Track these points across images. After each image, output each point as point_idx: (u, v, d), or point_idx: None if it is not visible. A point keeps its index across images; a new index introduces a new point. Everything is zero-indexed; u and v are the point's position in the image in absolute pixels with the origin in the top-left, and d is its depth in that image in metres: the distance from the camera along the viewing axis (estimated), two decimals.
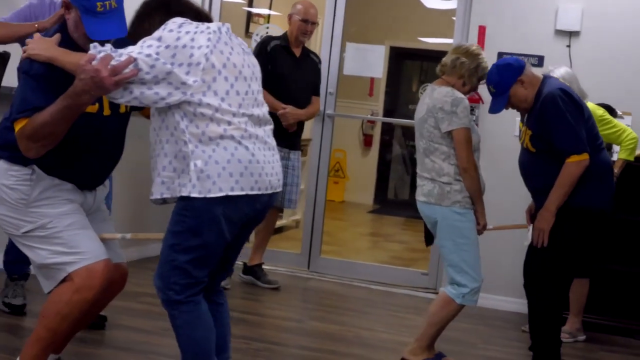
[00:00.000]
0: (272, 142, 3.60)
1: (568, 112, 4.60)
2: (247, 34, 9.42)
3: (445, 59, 4.90)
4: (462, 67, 4.81)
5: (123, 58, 3.24)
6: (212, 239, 3.40)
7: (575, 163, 4.59)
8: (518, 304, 6.29)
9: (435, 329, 4.90)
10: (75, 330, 3.99)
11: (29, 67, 3.48)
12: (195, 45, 3.33)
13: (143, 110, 3.90)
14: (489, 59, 6.22)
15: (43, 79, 3.45)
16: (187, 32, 3.35)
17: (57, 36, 3.56)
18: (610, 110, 6.15)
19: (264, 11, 10.02)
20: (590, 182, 4.66)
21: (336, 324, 5.85)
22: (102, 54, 3.25)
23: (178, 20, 3.40)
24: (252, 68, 3.58)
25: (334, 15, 7.42)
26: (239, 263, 6.78)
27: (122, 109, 3.76)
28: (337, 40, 7.42)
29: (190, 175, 3.33)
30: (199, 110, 3.33)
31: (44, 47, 3.49)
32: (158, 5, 3.54)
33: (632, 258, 6.42)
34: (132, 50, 3.29)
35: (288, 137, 6.48)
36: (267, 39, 6.61)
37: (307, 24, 6.53)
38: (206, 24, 3.45)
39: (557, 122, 4.60)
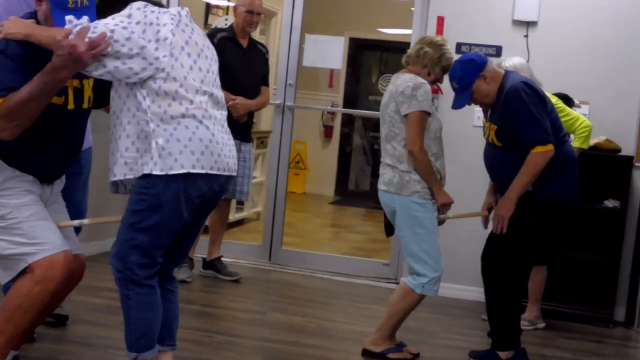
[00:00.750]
0: (227, 128, 3.65)
1: (532, 105, 4.64)
2: (206, 25, 9.39)
3: (410, 50, 4.95)
4: (425, 57, 4.84)
5: (99, 31, 3.27)
6: (171, 217, 3.44)
7: (540, 154, 4.63)
8: (478, 292, 6.30)
9: (396, 319, 4.92)
10: (33, 326, 3.96)
11: (5, 46, 3.45)
12: (160, 23, 3.42)
13: (106, 107, 3.88)
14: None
15: (20, 58, 3.43)
16: (152, 12, 3.44)
17: (32, 21, 3.56)
18: (568, 100, 6.21)
19: (223, 2, 9.97)
20: (555, 173, 4.71)
21: (298, 316, 5.85)
22: (78, 28, 3.28)
23: (141, 2, 3.47)
24: (212, 51, 3.69)
25: (293, 7, 7.41)
26: (198, 257, 6.77)
27: (85, 105, 3.75)
28: (296, 32, 7.41)
29: (152, 153, 3.38)
30: (163, 87, 3.38)
31: (20, 25, 3.48)
32: None
33: (588, 245, 6.50)
34: (107, 22, 3.34)
35: (239, 129, 6.46)
36: (214, 31, 6.60)
37: (253, 14, 6.52)
38: (165, 8, 3.54)
39: (522, 114, 4.64)
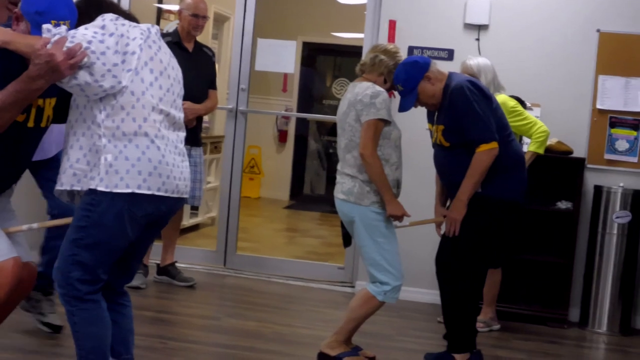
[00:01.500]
0: (183, 148, 3.61)
1: (476, 102, 4.68)
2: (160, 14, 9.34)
3: (364, 59, 4.96)
4: (381, 65, 4.86)
5: (76, 40, 3.25)
6: (114, 235, 3.41)
7: (485, 152, 4.66)
8: (432, 294, 6.34)
9: (354, 324, 4.93)
10: None
11: None
12: (130, 36, 3.40)
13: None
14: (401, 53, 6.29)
15: None
16: (123, 25, 3.42)
17: (9, 29, 3.50)
18: (520, 102, 6.24)
19: (174, 7, 9.91)
20: (502, 172, 4.75)
21: (254, 321, 5.83)
22: (56, 37, 3.25)
23: (113, 14, 3.45)
24: (176, 71, 3.66)
25: (245, 11, 7.38)
26: (152, 263, 6.72)
27: (43, 123, 3.70)
28: (248, 36, 7.39)
29: (100, 169, 3.35)
30: (120, 101, 3.35)
31: None
32: (93, 3, 3.56)
33: (542, 247, 6.55)
34: (85, 33, 3.31)
35: (188, 134, 6.37)
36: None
37: (198, 18, 6.50)
38: (136, 23, 3.52)
39: (466, 112, 4.67)
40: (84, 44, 3.27)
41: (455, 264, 4.82)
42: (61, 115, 3.62)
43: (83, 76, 3.28)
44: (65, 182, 3.45)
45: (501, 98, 5.75)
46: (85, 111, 3.41)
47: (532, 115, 6.13)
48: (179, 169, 3.53)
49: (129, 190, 3.34)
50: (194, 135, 6.54)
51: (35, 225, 3.81)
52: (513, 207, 4.90)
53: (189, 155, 6.42)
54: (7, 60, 3.39)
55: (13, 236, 3.78)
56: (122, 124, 3.36)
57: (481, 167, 4.68)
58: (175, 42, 6.45)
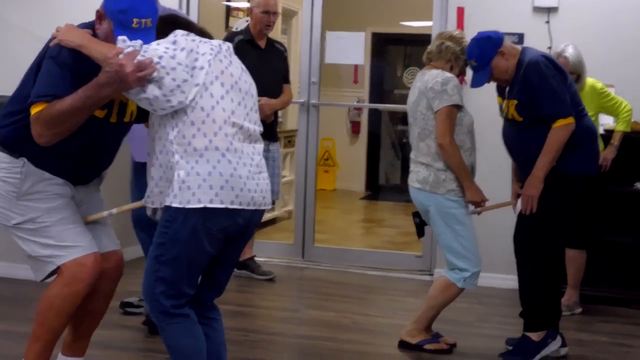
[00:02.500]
0: (260, 159, 3.60)
1: (551, 77, 4.65)
2: (227, 28, 9.43)
3: (430, 47, 4.96)
4: (447, 52, 4.87)
5: (148, 55, 3.30)
6: (192, 251, 3.43)
7: (562, 127, 4.63)
8: (511, 280, 6.25)
9: (434, 312, 4.95)
10: (89, 328, 3.99)
11: (57, 53, 3.48)
12: (199, 52, 3.43)
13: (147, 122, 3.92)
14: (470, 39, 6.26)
15: (68, 68, 3.46)
16: (193, 40, 3.46)
17: (88, 31, 3.58)
18: None
19: (243, 4, 10.01)
20: (576, 147, 4.70)
21: (333, 312, 5.87)
22: (129, 49, 3.31)
23: (184, 31, 3.50)
24: (249, 85, 3.64)
25: (312, 5, 7.43)
26: None
27: (127, 119, 3.78)
28: (317, 29, 7.43)
29: (174, 185, 3.38)
30: (190, 116, 3.38)
31: (75, 34, 3.51)
32: (168, 21, 3.62)
33: (625, 229, 6.46)
34: (156, 48, 3.36)
35: (266, 129, 6.44)
36: (231, 35, 6.62)
37: (269, 15, 6.54)
38: (208, 39, 3.56)
39: (542, 87, 4.64)
40: (155, 59, 3.30)
41: (532, 240, 4.79)
42: (146, 112, 3.66)
43: (152, 90, 3.32)
44: (155, 200, 3.51)
45: (589, 81, 5.74)
46: (160, 129, 3.45)
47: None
48: (254, 181, 3.50)
49: (201, 205, 3.34)
50: (271, 130, 6.62)
51: (114, 210, 3.88)
52: (587, 181, 4.85)
53: (267, 150, 6.50)
54: (80, 62, 3.46)
55: (99, 225, 3.88)
56: (193, 139, 3.37)
57: (558, 142, 4.64)
58: (247, 40, 6.52)
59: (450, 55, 4.86)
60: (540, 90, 4.65)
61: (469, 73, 5.01)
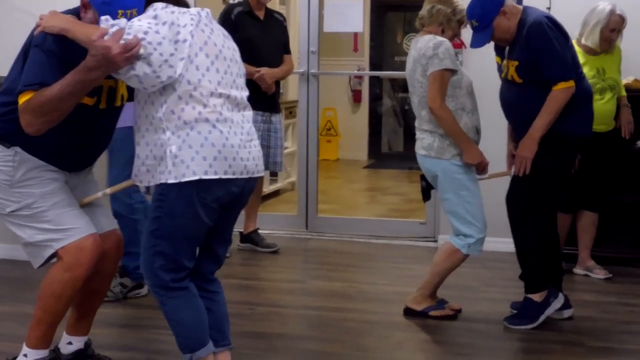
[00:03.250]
0: (250, 127, 3.59)
1: (555, 39, 4.62)
2: (224, 1, 9.37)
3: (422, 11, 4.89)
4: (439, 15, 4.80)
5: (133, 32, 3.26)
6: (188, 223, 3.43)
7: (563, 90, 4.60)
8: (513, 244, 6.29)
9: (439, 278, 4.94)
10: (92, 307, 4.00)
11: (42, 40, 3.45)
12: (180, 24, 3.39)
13: None
14: (468, 2, 6.21)
15: (54, 55, 3.43)
16: (172, 12, 3.41)
17: (73, 17, 3.55)
18: None
19: None
20: (571, 109, 4.67)
21: (338, 281, 5.88)
22: (114, 28, 3.27)
23: (162, 3, 3.45)
24: (232, 51, 3.62)
25: None
26: (235, 231, 6.78)
27: (118, 103, 3.75)
28: None
29: (167, 161, 3.37)
30: (178, 91, 3.36)
31: (58, 19, 3.48)
32: None
33: (628, 188, 6.42)
34: (141, 24, 3.32)
35: (267, 101, 6.48)
36: (230, 7, 6.58)
37: None
38: (185, 9, 3.51)
39: (545, 48, 4.61)
40: (140, 35, 3.27)
41: (525, 202, 4.77)
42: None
43: (141, 67, 3.29)
44: (144, 179, 3.49)
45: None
46: (147, 106, 3.43)
47: None
48: (247, 149, 3.50)
49: (196, 177, 3.35)
50: (273, 101, 6.61)
51: (107, 190, 3.88)
52: (582, 142, 4.83)
53: (269, 122, 6.50)
54: (66, 47, 3.43)
55: (95, 206, 3.87)
56: (182, 113, 3.36)
57: (558, 105, 4.61)
58: (246, 11, 6.49)
59: (441, 18, 4.80)
60: (544, 52, 4.61)
61: (468, 34, 4.96)
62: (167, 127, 3.37)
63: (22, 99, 3.39)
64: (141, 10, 3.48)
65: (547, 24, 4.64)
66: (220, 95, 3.45)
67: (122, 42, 3.23)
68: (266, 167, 6.69)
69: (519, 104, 4.78)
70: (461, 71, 4.80)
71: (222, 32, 3.62)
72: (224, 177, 3.40)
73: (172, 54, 3.33)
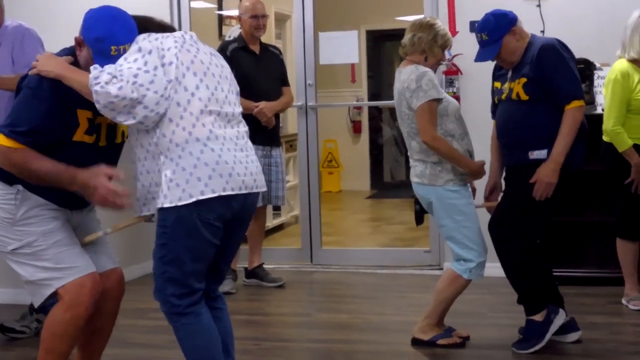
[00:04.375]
0: (245, 142, 3.61)
1: (568, 60, 4.66)
2: (221, 37, 9.42)
3: (404, 39, 4.86)
4: (420, 43, 4.78)
5: (124, 77, 3.30)
6: (195, 245, 3.44)
7: (578, 108, 4.62)
8: None
9: (444, 306, 4.91)
10: (97, 347, 3.97)
11: (37, 84, 3.47)
12: (164, 47, 3.43)
13: None
14: (462, 29, 6.25)
15: (47, 101, 3.46)
16: (156, 39, 3.46)
17: (69, 58, 3.58)
18: (588, 64, 6.15)
19: (235, 12, 9.98)
20: (576, 142, 4.65)
21: (345, 313, 5.85)
22: (106, 77, 3.31)
23: (144, 34, 3.49)
24: (221, 68, 3.64)
25: (303, 7, 7.40)
26: (240, 267, 6.78)
27: (118, 139, 3.77)
28: (310, 31, 7.41)
29: (162, 186, 3.40)
30: (168, 114, 3.39)
31: (54, 63, 3.51)
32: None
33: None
34: (130, 67, 3.34)
35: (268, 135, 6.50)
36: (225, 44, 6.60)
37: (258, 18, 6.53)
38: (169, 33, 3.55)
39: (560, 67, 4.64)
40: (132, 79, 3.31)
41: (510, 228, 4.74)
42: None
43: (141, 112, 3.33)
44: (151, 207, 3.54)
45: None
46: (140, 136, 3.48)
47: (597, 73, 6.03)
48: (242, 164, 3.51)
49: (193, 199, 3.36)
50: (274, 135, 6.64)
51: (109, 230, 3.87)
52: (577, 176, 4.81)
53: (269, 156, 6.52)
54: (60, 91, 3.47)
55: (96, 244, 3.86)
56: (173, 136, 3.39)
57: (576, 123, 4.61)
58: (241, 47, 6.52)
59: (423, 45, 4.78)
60: (558, 70, 4.63)
61: (469, 54, 4.94)
62: (161, 152, 3.41)
63: (5, 141, 3.45)
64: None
65: (559, 45, 4.71)
66: (210, 112, 3.47)
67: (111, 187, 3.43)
68: (268, 202, 6.70)
69: (520, 123, 4.74)
70: (447, 98, 4.78)
71: (210, 51, 3.65)
72: (222, 194, 3.41)
73: (165, 88, 3.36)
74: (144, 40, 3.43)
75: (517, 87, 4.74)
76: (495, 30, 4.75)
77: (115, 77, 3.31)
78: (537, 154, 4.69)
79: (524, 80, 4.71)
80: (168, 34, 3.52)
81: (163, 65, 3.39)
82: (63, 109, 3.45)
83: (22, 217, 3.63)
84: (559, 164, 4.61)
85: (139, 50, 3.40)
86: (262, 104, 6.39)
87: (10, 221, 3.63)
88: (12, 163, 3.48)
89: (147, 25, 3.61)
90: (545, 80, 4.65)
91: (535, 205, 4.71)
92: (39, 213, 3.65)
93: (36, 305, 3.73)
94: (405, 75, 4.74)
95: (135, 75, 3.32)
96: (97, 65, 3.37)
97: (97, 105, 3.34)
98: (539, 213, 4.76)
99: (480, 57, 4.87)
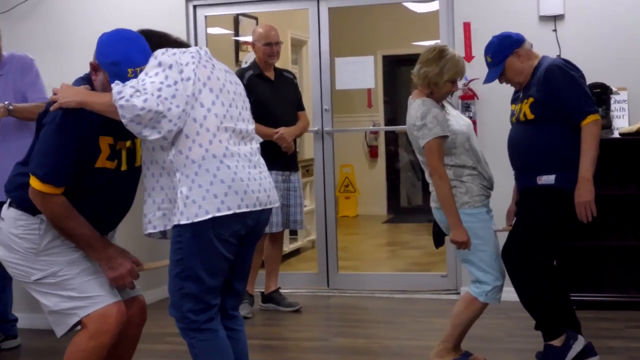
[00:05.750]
0: (258, 159, 3.64)
1: (576, 77, 4.66)
2: (237, 62, 9.46)
3: (414, 70, 4.81)
4: (426, 77, 4.74)
5: (149, 91, 3.31)
6: (211, 260, 3.46)
7: (595, 122, 4.61)
8: None
9: (460, 329, 4.89)
10: None
11: (59, 118, 3.46)
12: (182, 62, 3.45)
13: None
14: (478, 54, 6.24)
15: (72, 134, 3.46)
16: (174, 54, 3.48)
17: (86, 87, 3.60)
18: (605, 89, 6.15)
19: (251, 38, 10.04)
20: (574, 165, 4.63)
21: (361, 338, 5.84)
22: (129, 91, 3.32)
23: (161, 49, 3.50)
24: (235, 86, 3.68)
25: (319, 32, 7.44)
26: (257, 292, 6.78)
27: (138, 163, 3.78)
28: (326, 56, 7.44)
29: (179, 203, 3.41)
30: (184, 131, 3.41)
31: (73, 92, 3.51)
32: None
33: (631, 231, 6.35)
34: (153, 81, 3.36)
35: (286, 160, 6.53)
36: (241, 72, 6.63)
37: (272, 46, 6.56)
38: (185, 48, 3.58)
39: (569, 86, 4.64)
40: (156, 93, 3.32)
41: (524, 254, 4.71)
42: None
43: (166, 126, 3.35)
44: (158, 224, 3.55)
45: None
46: (156, 152, 3.50)
47: (614, 98, 6.02)
48: (256, 181, 3.54)
49: (209, 216, 3.39)
50: (292, 160, 6.67)
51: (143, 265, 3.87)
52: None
53: (288, 181, 6.54)
54: (84, 121, 3.48)
55: None
56: (189, 152, 3.41)
57: (596, 137, 4.59)
58: (257, 74, 6.54)
59: (429, 79, 4.72)
60: (567, 89, 4.63)
61: (476, 84, 4.97)
62: (177, 169, 3.43)
63: (37, 184, 3.47)
64: None
65: (566, 64, 4.71)
66: (226, 129, 3.49)
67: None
68: (286, 226, 6.71)
69: (526, 143, 4.72)
70: (453, 130, 4.74)
71: (224, 68, 3.68)
72: (238, 211, 3.44)
73: (186, 102, 3.38)
74: (163, 55, 3.45)
75: (524, 108, 4.75)
76: (498, 52, 4.80)
77: (138, 90, 3.32)
78: (545, 179, 4.69)
79: (531, 100, 4.72)
80: (184, 49, 3.54)
81: (182, 80, 3.41)
82: (88, 138, 3.47)
83: (46, 247, 3.64)
84: (588, 181, 4.58)
85: (159, 64, 3.42)
86: (282, 130, 6.42)
87: (34, 251, 3.64)
88: (48, 211, 3.51)
89: (164, 41, 3.65)
90: (553, 100, 4.65)
91: (545, 231, 4.70)
92: (63, 242, 3.65)
93: (59, 335, 3.71)
94: (413, 110, 4.74)
95: (159, 89, 3.34)
96: (118, 81, 3.38)
97: (123, 121, 3.32)
98: (549, 239, 4.74)
99: (486, 79, 4.92)
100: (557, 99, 4.64)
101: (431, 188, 4.87)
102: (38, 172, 3.46)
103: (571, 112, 4.63)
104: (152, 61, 3.45)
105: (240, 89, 3.72)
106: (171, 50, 3.49)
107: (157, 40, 3.63)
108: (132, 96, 3.30)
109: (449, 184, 4.65)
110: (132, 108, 3.29)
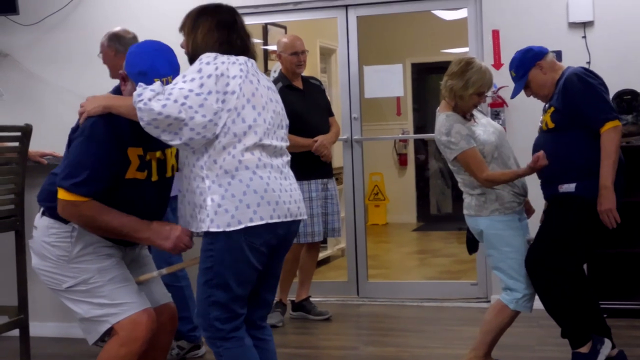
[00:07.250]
0: (288, 171, 3.67)
1: (595, 85, 4.64)
2: (266, 71, 9.48)
3: (442, 82, 4.85)
4: (451, 91, 4.76)
5: (173, 97, 3.32)
6: (241, 269, 3.48)
7: (613, 129, 4.58)
8: None
9: (491, 337, 4.87)
10: None
11: (89, 127, 3.50)
12: (230, 75, 3.45)
13: None
14: (507, 61, 6.21)
15: (102, 141, 3.48)
16: (223, 63, 3.47)
17: (110, 94, 3.65)
18: (635, 95, 6.12)
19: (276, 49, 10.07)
20: (594, 173, 4.60)
21: (391, 346, 5.83)
22: (149, 93, 3.33)
23: (212, 54, 3.50)
24: (275, 103, 3.69)
25: (348, 41, 7.45)
26: (289, 302, 6.79)
27: (169, 173, 3.81)
28: (354, 65, 7.45)
29: (208, 210, 3.43)
30: (222, 142, 3.43)
31: (97, 100, 3.55)
32: (207, 11, 3.65)
33: None
34: (182, 87, 3.37)
35: (323, 168, 6.55)
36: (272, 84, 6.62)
37: (298, 55, 6.56)
38: (235, 57, 3.54)
39: (586, 93, 4.62)
40: (181, 100, 3.33)
41: (548, 263, 4.69)
42: None
43: (187, 134, 3.36)
44: (195, 227, 3.56)
45: None
46: (188, 156, 3.53)
47: None
48: (288, 192, 3.57)
49: (242, 226, 3.42)
50: (328, 168, 6.70)
51: (163, 270, 3.89)
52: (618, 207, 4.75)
53: (326, 189, 6.54)
54: (114, 127, 3.51)
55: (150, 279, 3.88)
56: (223, 162, 3.43)
57: (614, 144, 4.56)
58: (286, 85, 6.53)
59: (454, 93, 4.74)
60: (585, 96, 4.62)
61: (505, 91, 4.97)
62: (207, 176, 3.45)
63: (61, 195, 3.49)
64: (176, 76, 3.53)
65: (583, 72, 4.70)
66: (263, 147, 3.52)
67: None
68: (325, 235, 6.70)
69: (551, 153, 4.68)
70: (480, 141, 4.73)
71: (267, 84, 3.68)
72: (270, 221, 3.47)
73: (216, 113, 3.38)
74: (207, 65, 3.44)
75: (546, 117, 4.77)
76: (520, 66, 4.82)
77: (159, 94, 3.34)
78: (565, 188, 4.68)
79: (552, 109, 4.73)
80: (234, 59, 3.51)
81: (225, 92, 3.42)
82: (116, 148, 3.49)
83: (78, 254, 3.67)
84: (608, 188, 4.56)
85: (199, 71, 3.42)
86: (320, 138, 6.42)
87: (66, 259, 3.67)
88: (80, 218, 3.53)
89: (229, 24, 3.62)
90: (572, 108, 4.64)
91: (563, 239, 4.69)
92: (95, 250, 3.68)
93: (90, 342, 3.74)
94: (438, 124, 4.76)
95: (186, 97, 3.35)
96: (142, 84, 3.41)
97: (141, 123, 3.35)
98: (568, 246, 4.72)
99: (512, 94, 4.94)
100: (575, 107, 4.63)
101: (463, 196, 4.87)
102: (63, 184, 3.49)
103: (589, 119, 4.62)
104: (195, 65, 3.47)
105: (280, 107, 3.73)
106: (220, 59, 3.48)
107: (224, 13, 3.65)
108: (150, 99, 3.33)
109: (494, 175, 4.66)
110: (149, 112, 3.32)
